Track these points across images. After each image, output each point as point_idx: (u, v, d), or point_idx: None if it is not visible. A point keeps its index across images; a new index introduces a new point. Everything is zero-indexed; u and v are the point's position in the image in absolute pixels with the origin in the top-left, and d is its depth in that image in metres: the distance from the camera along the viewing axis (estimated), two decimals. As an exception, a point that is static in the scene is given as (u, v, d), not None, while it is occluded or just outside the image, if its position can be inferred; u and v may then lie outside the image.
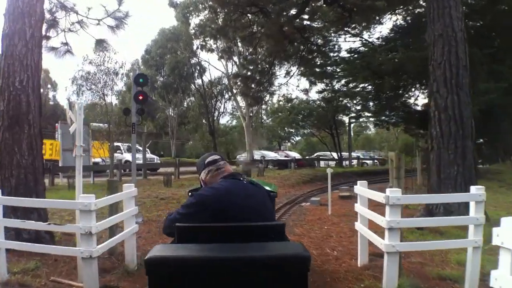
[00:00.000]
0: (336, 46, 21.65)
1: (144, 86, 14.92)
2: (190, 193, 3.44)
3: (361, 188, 5.46)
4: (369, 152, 47.96)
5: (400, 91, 18.67)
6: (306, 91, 27.40)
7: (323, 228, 8.51)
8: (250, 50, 23.87)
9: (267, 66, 20.68)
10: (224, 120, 64.67)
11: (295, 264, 2.09)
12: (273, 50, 17.54)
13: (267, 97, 33.50)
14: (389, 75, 16.03)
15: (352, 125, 33.12)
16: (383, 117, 20.73)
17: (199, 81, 38.70)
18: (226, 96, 32.59)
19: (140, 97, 13.98)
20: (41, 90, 13.85)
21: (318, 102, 30.61)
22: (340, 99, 24.61)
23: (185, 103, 47.90)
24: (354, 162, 33.38)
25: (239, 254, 2.11)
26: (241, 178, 2.73)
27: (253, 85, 19.27)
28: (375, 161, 37.24)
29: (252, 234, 2.34)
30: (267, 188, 3.21)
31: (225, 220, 2.44)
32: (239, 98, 33.41)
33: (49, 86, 54.11)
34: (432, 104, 8.36)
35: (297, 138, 69.76)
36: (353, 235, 6.60)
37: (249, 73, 20.52)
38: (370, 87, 19.25)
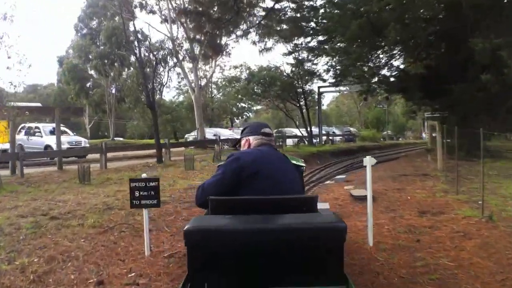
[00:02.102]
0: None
1: None
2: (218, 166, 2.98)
3: None
4: (347, 127, 43.57)
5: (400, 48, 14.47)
6: (266, 50, 22.21)
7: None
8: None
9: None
10: (170, 95, 59.20)
11: (332, 234, 2.08)
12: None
13: (230, 46, 28.16)
14: (395, 22, 11.63)
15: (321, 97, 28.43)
16: (373, 84, 16.45)
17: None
18: (171, 63, 27.20)
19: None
20: None
21: (283, 68, 25.97)
22: (315, 61, 20.25)
23: (124, 75, 42.10)
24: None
25: (275, 224, 2.12)
26: (276, 149, 2.87)
27: (208, 27, 14.14)
28: (352, 137, 32.95)
29: (285, 206, 2.35)
30: (294, 162, 3.17)
31: (259, 181, 2.52)
32: (187, 66, 28.15)
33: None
34: None
35: (250, 115, 65.41)
36: None
37: (202, 9, 15.23)
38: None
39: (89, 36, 42.31)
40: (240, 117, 60.90)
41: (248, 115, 62.37)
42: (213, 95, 54.06)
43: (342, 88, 27.38)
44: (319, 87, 26.87)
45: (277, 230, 2.07)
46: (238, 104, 55.51)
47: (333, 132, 33.56)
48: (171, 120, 51.26)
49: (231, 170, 2.60)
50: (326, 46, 14.40)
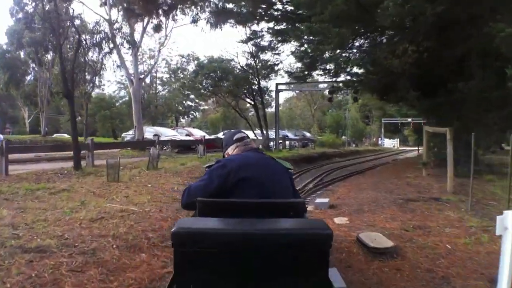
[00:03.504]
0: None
1: None
2: (207, 168, 2.98)
3: None
4: (300, 131, 40.39)
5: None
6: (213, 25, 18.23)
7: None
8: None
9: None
10: (110, 89, 54.43)
11: (318, 241, 2.09)
12: None
13: (177, 18, 24.12)
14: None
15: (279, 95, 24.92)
16: (350, 79, 13.39)
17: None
18: (106, 49, 23.01)
19: None
20: None
21: (237, 60, 22.41)
22: (279, 49, 16.91)
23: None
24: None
25: (262, 228, 2.11)
26: (263, 153, 2.90)
27: None
28: (308, 142, 29.85)
29: (272, 210, 2.39)
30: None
31: (246, 186, 2.51)
32: (125, 53, 24.12)
33: None
34: None
35: (196, 114, 61.64)
36: None
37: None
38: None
39: (24, 20, 37.49)
40: (186, 116, 57.18)
41: (194, 114, 58.76)
42: (157, 91, 50.01)
43: (304, 85, 24.31)
44: (277, 84, 23.55)
45: (264, 234, 2.07)
46: (184, 102, 51.93)
47: (287, 136, 30.52)
48: (110, 116, 46.95)
49: (217, 176, 2.58)
50: (302, 26, 11.13)
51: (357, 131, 42.34)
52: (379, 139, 53.61)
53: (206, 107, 62.26)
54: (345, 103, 57.81)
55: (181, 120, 56.74)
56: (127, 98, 42.92)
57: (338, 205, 8.32)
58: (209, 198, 2.46)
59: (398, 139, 60.47)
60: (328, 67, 13.40)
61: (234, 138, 2.96)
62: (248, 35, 17.70)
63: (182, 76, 23.46)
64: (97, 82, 53.39)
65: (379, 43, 12.02)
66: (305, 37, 11.47)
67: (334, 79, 16.26)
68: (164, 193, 8.67)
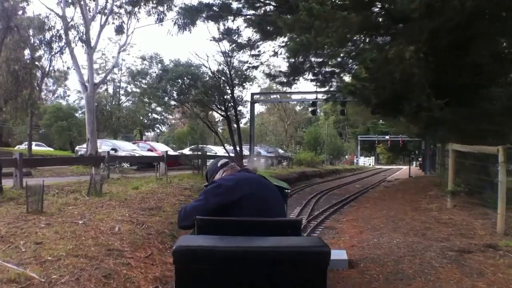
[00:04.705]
0: None
1: None
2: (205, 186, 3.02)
3: None
4: (273, 147, 37.32)
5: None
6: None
7: None
8: None
9: None
10: (71, 99, 50.38)
11: (316, 258, 2.11)
12: None
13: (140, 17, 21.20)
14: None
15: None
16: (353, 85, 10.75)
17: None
18: (56, 47, 19.49)
19: None
20: None
21: (207, 64, 19.38)
22: (260, 48, 14.03)
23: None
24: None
25: (262, 246, 2.13)
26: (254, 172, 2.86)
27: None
28: (282, 160, 26.98)
29: (269, 228, 2.39)
30: (276, 184, 3.18)
31: (244, 204, 2.52)
32: (79, 52, 20.75)
33: None
34: None
35: (163, 128, 58.20)
36: None
37: None
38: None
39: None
40: (151, 130, 53.65)
41: (161, 128, 55.36)
42: (120, 101, 46.38)
43: (283, 96, 21.53)
44: (252, 94, 20.72)
45: (263, 252, 2.09)
46: (150, 114, 48.53)
47: (259, 153, 27.64)
48: (68, 128, 43.32)
49: (213, 196, 2.60)
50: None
51: (335, 149, 39.94)
52: (355, 157, 51.62)
53: (173, 121, 59.07)
54: (317, 119, 55.88)
55: (146, 134, 53.26)
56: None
57: (360, 260, 5.50)
58: (207, 217, 2.46)
59: (373, 157, 58.81)
60: (321, 70, 10.67)
61: (219, 164, 2.95)
62: (222, 30, 14.83)
63: (143, 82, 20.18)
64: (61, 92, 50.36)
65: (392, 36, 9.38)
66: (300, 25, 8.72)
67: (321, 88, 13.69)
68: (97, 238, 5.79)
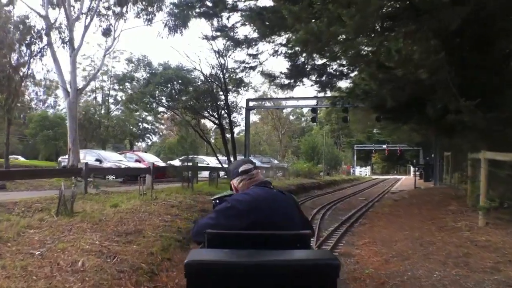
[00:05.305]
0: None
1: None
2: (217, 201, 2.85)
3: None
4: (267, 157, 35.83)
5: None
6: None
7: None
8: None
9: None
10: (60, 107, 48.71)
11: (326, 271, 2.09)
12: None
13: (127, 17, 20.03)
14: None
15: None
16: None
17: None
18: (36, 48, 17.93)
19: None
20: None
21: (199, 67, 17.99)
22: (260, 46, 12.66)
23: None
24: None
25: (272, 259, 2.11)
26: (271, 187, 2.74)
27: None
28: (277, 171, 25.60)
29: (279, 241, 2.35)
30: None
31: (255, 225, 2.43)
32: (61, 54, 19.25)
33: None
34: None
35: (154, 138, 56.61)
36: None
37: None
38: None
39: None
40: (141, 140, 52.07)
41: (151, 138, 53.80)
42: (110, 110, 44.77)
43: (281, 102, 20.22)
44: (248, 100, 19.41)
45: (273, 265, 2.08)
46: (140, 124, 46.99)
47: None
48: (53, 137, 41.74)
49: (225, 218, 2.50)
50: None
51: (333, 159, 38.65)
52: (351, 167, 50.47)
53: (165, 131, 57.54)
54: (309, 129, 54.74)
55: (137, 144, 51.66)
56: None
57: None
58: (218, 230, 2.41)
59: (370, 167, 57.70)
60: (327, 70, 9.33)
61: (240, 170, 2.77)
62: (217, 26, 13.49)
63: (129, 87, 18.74)
64: (51, 102, 48.59)
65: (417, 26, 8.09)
66: (307, 14, 7.44)
67: (322, 93, 12.42)
68: (52, 277, 4.55)
